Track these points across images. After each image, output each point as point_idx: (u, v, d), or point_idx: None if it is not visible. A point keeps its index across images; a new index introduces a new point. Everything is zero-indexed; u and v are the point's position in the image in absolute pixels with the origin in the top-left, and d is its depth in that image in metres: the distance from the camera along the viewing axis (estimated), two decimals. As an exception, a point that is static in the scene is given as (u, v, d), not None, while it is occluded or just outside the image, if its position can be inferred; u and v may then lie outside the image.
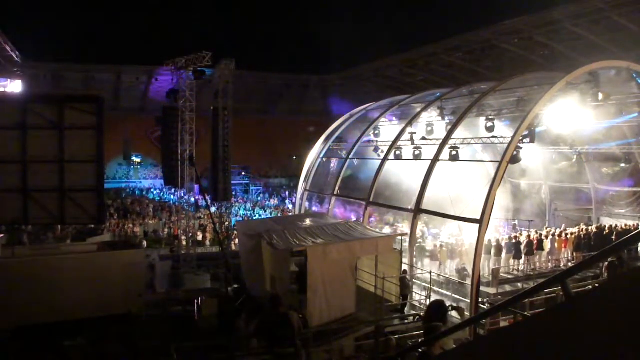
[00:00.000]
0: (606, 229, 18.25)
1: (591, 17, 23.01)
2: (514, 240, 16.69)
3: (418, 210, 15.38)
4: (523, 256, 16.38)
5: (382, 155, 19.17)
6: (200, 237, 25.47)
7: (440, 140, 16.62)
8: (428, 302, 13.44)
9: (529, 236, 17.05)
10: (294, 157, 41.01)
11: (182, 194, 21.35)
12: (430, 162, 16.11)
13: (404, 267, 14.49)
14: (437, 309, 4.18)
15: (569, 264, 16.68)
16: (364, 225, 16.17)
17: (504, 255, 16.32)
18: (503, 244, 16.45)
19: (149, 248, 22.38)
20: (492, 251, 15.89)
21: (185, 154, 20.15)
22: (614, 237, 17.12)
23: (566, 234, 17.69)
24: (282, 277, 12.96)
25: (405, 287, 13.74)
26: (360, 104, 25.93)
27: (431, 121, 18.52)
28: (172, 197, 31.89)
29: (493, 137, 16.22)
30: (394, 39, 39.03)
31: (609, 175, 21.76)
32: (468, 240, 15.83)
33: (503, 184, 16.51)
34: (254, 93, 42.00)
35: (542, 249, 16.82)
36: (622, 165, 21.35)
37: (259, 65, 39.21)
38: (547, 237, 17.30)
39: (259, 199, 38.17)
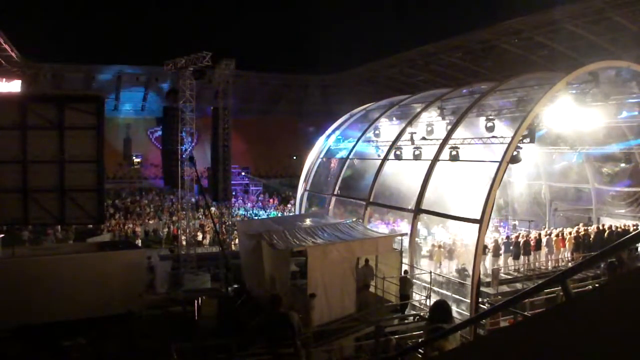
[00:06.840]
0: (606, 229, 18.23)
1: (591, 17, 22.99)
2: (512, 240, 16.68)
3: (418, 210, 15.37)
4: (521, 256, 16.36)
5: (382, 155, 19.17)
6: (200, 237, 25.46)
7: (440, 140, 16.62)
8: (428, 302, 13.45)
9: (525, 236, 17.04)
10: (294, 157, 40.97)
11: (182, 194, 21.34)
12: (430, 162, 16.11)
13: (404, 267, 14.48)
14: (442, 309, 4.19)
15: (569, 264, 16.67)
16: (364, 225, 16.16)
17: (502, 255, 16.31)
18: (501, 244, 16.43)
19: (149, 248, 22.35)
20: (488, 251, 15.86)
21: (185, 154, 20.16)
22: (614, 237, 17.10)
23: (563, 235, 17.66)
24: (282, 277, 12.96)
25: (407, 287, 13.72)
26: (360, 104, 25.88)
27: (431, 121, 18.50)
28: (172, 197, 31.85)
29: (493, 137, 16.21)
30: (394, 38, 38.95)
31: (609, 175, 21.74)
32: (465, 240, 15.82)
33: (503, 183, 16.50)
34: (254, 93, 41.96)
35: (540, 249, 16.80)
36: (622, 165, 21.33)
37: (259, 65, 39.13)
38: (545, 236, 17.27)
39: (259, 199, 38.14)
